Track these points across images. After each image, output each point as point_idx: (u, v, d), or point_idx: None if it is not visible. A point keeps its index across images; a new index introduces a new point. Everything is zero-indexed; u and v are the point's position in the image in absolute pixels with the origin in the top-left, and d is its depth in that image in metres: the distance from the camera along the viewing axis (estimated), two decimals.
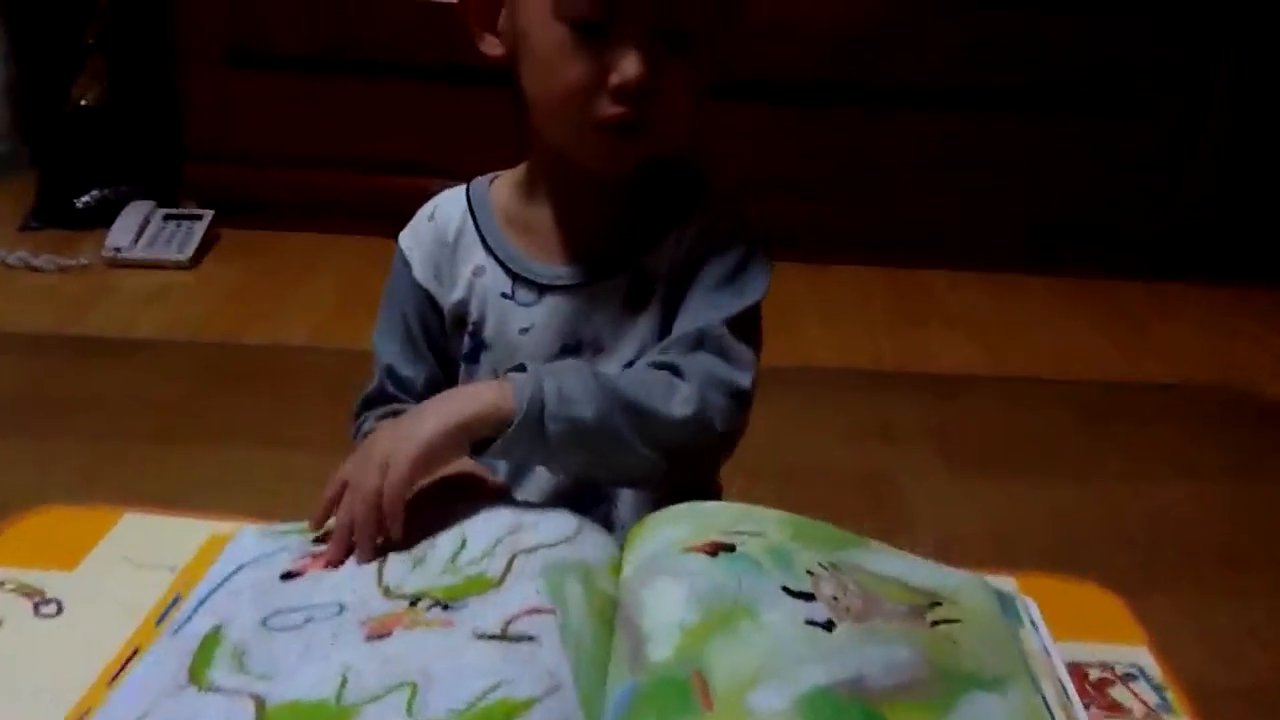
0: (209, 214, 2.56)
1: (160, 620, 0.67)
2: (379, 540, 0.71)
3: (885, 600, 0.66)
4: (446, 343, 0.89)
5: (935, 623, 0.66)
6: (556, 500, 0.84)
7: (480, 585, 0.67)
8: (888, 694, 0.58)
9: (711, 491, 0.92)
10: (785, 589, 0.64)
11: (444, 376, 0.89)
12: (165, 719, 0.58)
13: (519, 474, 0.85)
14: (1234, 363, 2.28)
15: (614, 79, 0.74)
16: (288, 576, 0.69)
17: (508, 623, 0.63)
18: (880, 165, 2.59)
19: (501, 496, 0.80)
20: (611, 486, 0.86)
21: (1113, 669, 0.71)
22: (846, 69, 2.51)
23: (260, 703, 0.58)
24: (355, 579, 0.69)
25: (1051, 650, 0.71)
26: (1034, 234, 2.65)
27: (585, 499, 0.85)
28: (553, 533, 0.71)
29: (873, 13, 2.49)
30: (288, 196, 2.63)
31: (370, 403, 0.89)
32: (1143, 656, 0.73)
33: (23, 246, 2.44)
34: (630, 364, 0.83)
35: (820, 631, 0.61)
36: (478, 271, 0.86)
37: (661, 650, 0.60)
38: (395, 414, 0.85)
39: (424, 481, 0.73)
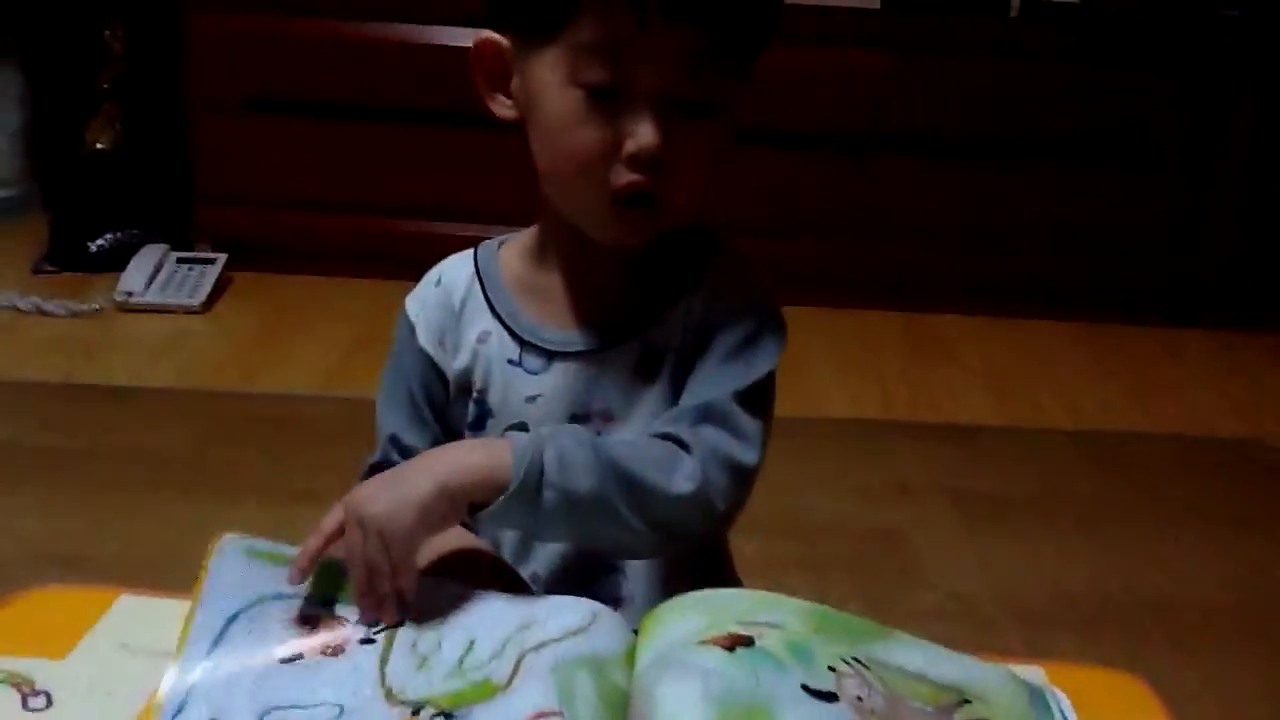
0: (222, 258, 2.56)
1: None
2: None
3: (911, 700, 0.64)
4: (451, 411, 0.86)
5: None
6: (566, 571, 0.82)
7: (486, 691, 0.64)
8: None
9: (721, 555, 0.89)
10: (806, 688, 0.62)
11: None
12: None
13: (529, 542, 0.83)
14: (1250, 413, 2.24)
15: (629, 146, 0.72)
16: (287, 658, 0.67)
17: None
18: (892, 210, 2.58)
19: (503, 573, 0.77)
20: (610, 557, 0.83)
21: None
22: (859, 116, 2.51)
23: None
24: (357, 674, 0.66)
25: None
26: (1047, 279, 2.63)
27: (595, 570, 0.82)
28: (563, 626, 0.69)
29: (886, 61, 2.48)
30: (300, 240, 2.63)
31: (376, 471, 0.86)
32: None
33: (35, 290, 2.44)
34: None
35: None
36: (482, 338, 0.84)
37: None
38: None
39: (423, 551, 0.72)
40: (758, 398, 0.78)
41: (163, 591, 0.77)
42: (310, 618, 0.69)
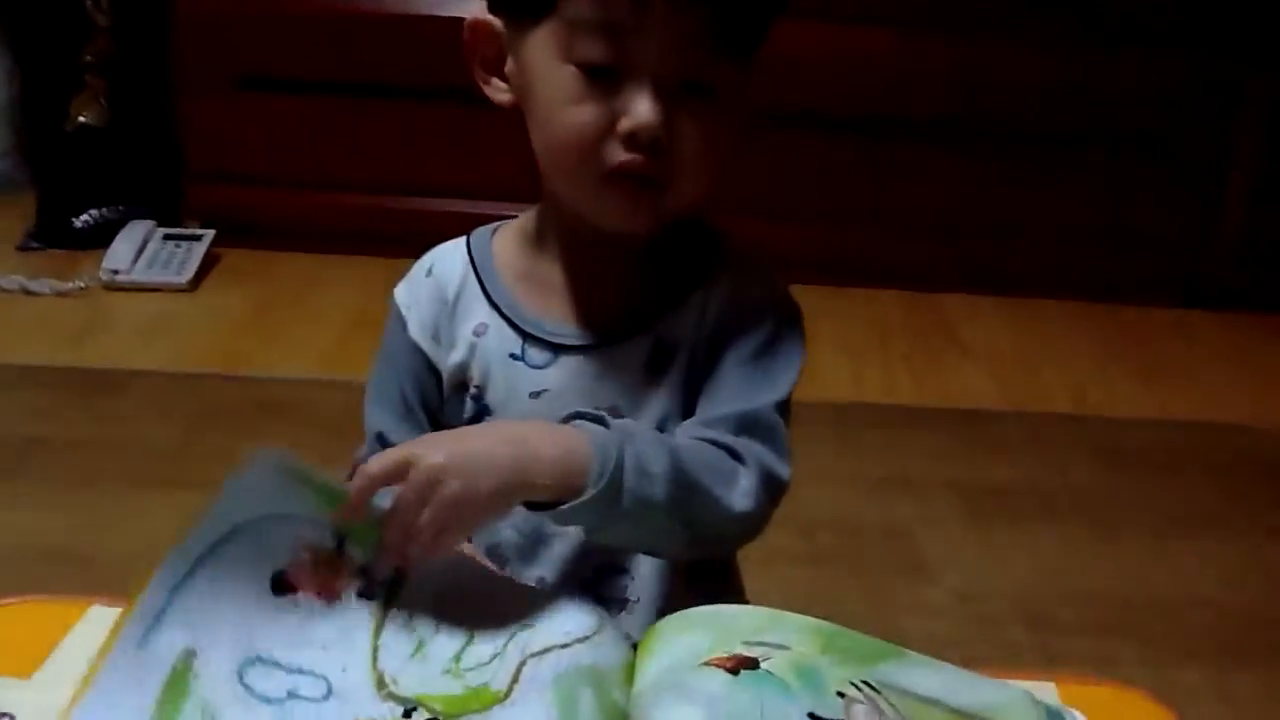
0: (210, 234, 2.51)
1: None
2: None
3: None
4: (443, 408, 0.82)
5: None
6: (572, 574, 0.79)
7: (484, 699, 0.61)
8: None
9: (728, 558, 0.87)
10: (813, 716, 0.58)
11: None
12: None
13: (535, 543, 0.79)
14: (1261, 398, 2.21)
15: (625, 124, 0.69)
16: (280, 586, 0.62)
17: None
18: (895, 192, 2.54)
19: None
20: (620, 556, 0.80)
21: None
22: (863, 96, 2.46)
23: None
24: (347, 643, 0.62)
25: None
26: (1053, 261, 2.60)
27: (601, 572, 0.79)
28: (568, 632, 0.65)
29: (891, 42, 2.44)
30: (289, 217, 2.59)
31: None
32: None
33: (20, 269, 2.40)
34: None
35: None
36: (479, 330, 0.80)
37: None
38: None
39: None
40: (789, 407, 0.77)
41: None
42: (316, 549, 0.64)
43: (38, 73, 2.66)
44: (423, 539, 0.64)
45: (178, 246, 2.47)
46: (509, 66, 0.75)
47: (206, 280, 2.44)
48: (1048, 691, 0.73)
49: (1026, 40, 2.46)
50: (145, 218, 2.54)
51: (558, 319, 0.79)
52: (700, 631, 0.65)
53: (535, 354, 0.78)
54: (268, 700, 0.59)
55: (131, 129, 2.64)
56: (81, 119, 2.60)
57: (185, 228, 2.57)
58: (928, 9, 2.46)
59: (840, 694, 0.60)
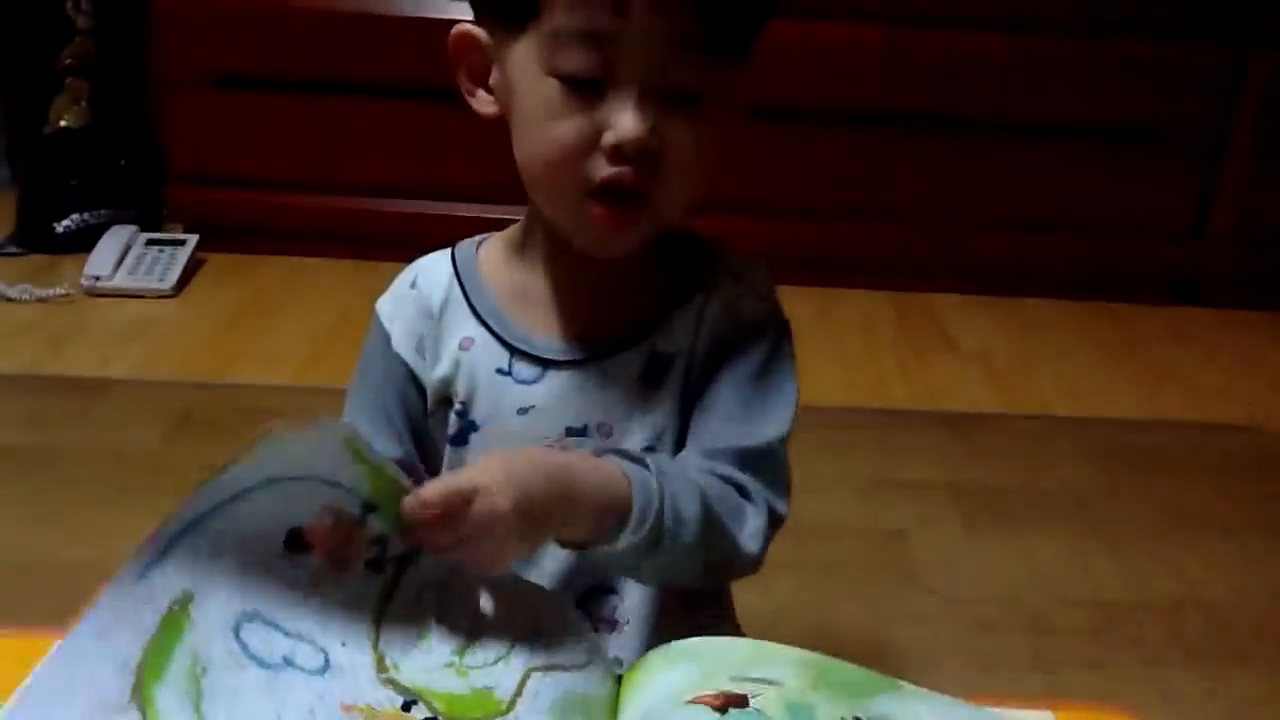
0: (193, 239, 2.48)
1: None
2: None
3: None
4: (426, 424, 0.80)
5: None
6: (564, 589, 0.78)
7: (486, 708, 0.59)
8: None
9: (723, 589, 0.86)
10: None
11: (421, 460, 0.81)
12: None
13: (525, 561, 0.77)
14: (1257, 396, 2.19)
15: (609, 137, 0.67)
16: (294, 543, 0.60)
17: None
18: (885, 188, 2.52)
19: None
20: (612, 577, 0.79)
21: None
22: (853, 91, 2.44)
23: None
24: (352, 616, 0.60)
25: None
26: (1046, 258, 2.57)
27: (591, 591, 0.78)
28: (570, 655, 0.64)
29: (880, 36, 2.41)
30: (274, 220, 2.56)
31: None
32: None
33: (0, 275, 2.36)
34: (648, 449, 0.75)
35: None
36: (465, 344, 0.78)
37: None
38: None
39: None
40: (787, 440, 0.76)
41: None
42: (339, 513, 0.62)
43: (17, 75, 2.62)
44: (463, 559, 0.62)
45: (161, 251, 2.44)
46: (494, 78, 0.73)
47: (190, 285, 2.41)
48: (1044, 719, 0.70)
49: (1017, 34, 2.44)
50: (128, 221, 2.51)
51: (546, 333, 0.77)
52: (686, 665, 0.62)
53: (523, 369, 0.77)
54: (262, 663, 0.56)
55: (113, 132, 2.61)
56: (62, 122, 2.57)
57: (168, 231, 2.54)
58: (917, 5, 2.44)
59: None
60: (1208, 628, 1.48)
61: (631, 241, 0.72)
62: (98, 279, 2.34)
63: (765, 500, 0.73)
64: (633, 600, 0.78)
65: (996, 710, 0.66)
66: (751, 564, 0.73)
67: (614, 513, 0.66)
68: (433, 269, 0.80)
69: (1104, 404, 2.13)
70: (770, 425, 0.75)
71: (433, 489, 0.61)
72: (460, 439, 0.79)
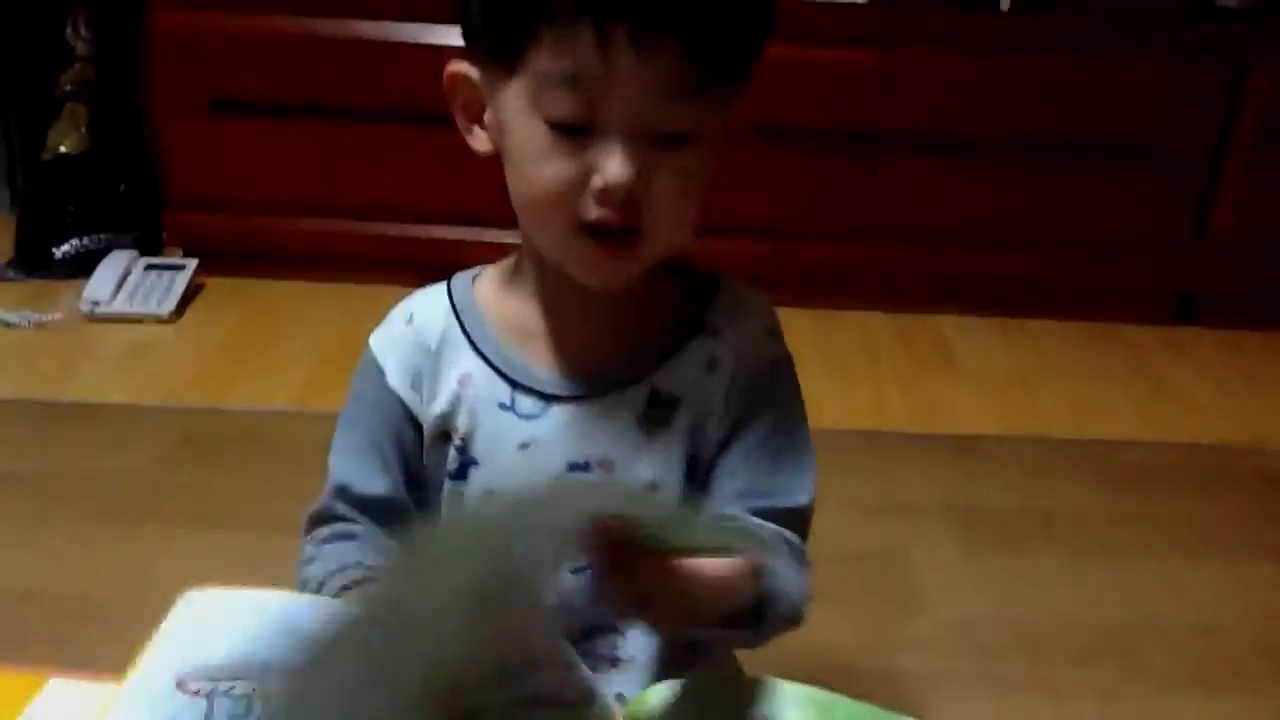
0: (193, 263, 2.48)
1: None
2: None
3: None
4: (420, 459, 0.79)
5: None
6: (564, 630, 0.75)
7: None
8: None
9: None
10: None
11: (410, 496, 0.80)
12: None
13: None
14: (1258, 416, 2.19)
15: (597, 181, 0.67)
16: None
17: None
18: (885, 209, 2.51)
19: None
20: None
21: None
22: (850, 114, 2.44)
23: None
24: None
25: None
26: (1046, 278, 2.57)
27: (595, 630, 0.78)
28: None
29: (880, 57, 2.42)
30: (272, 244, 2.56)
31: (317, 520, 0.80)
32: None
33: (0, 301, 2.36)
34: (650, 488, 0.75)
35: None
36: (464, 380, 0.77)
37: None
38: (344, 536, 0.77)
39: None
40: None
41: (97, 673, 0.70)
42: None
43: (17, 101, 2.63)
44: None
45: (160, 276, 2.43)
46: (488, 116, 0.73)
47: (189, 310, 2.41)
48: None
49: (1015, 55, 2.45)
50: (127, 246, 2.51)
51: (546, 366, 0.77)
52: (685, 708, 0.62)
53: (526, 403, 0.76)
54: None
55: (112, 157, 2.61)
56: (61, 148, 2.57)
57: (167, 255, 2.55)
58: (914, 26, 2.45)
59: None
60: (1212, 651, 1.47)
61: (626, 273, 0.72)
62: (96, 304, 2.34)
63: (808, 562, 0.76)
64: (635, 639, 0.78)
65: None
66: (796, 624, 0.75)
67: (737, 603, 0.67)
68: (429, 303, 0.80)
69: (1104, 424, 2.12)
70: (807, 481, 0.77)
71: (619, 582, 0.61)
72: (460, 474, 0.78)
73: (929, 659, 1.41)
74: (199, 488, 1.73)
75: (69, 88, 2.55)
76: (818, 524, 1.60)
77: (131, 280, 2.41)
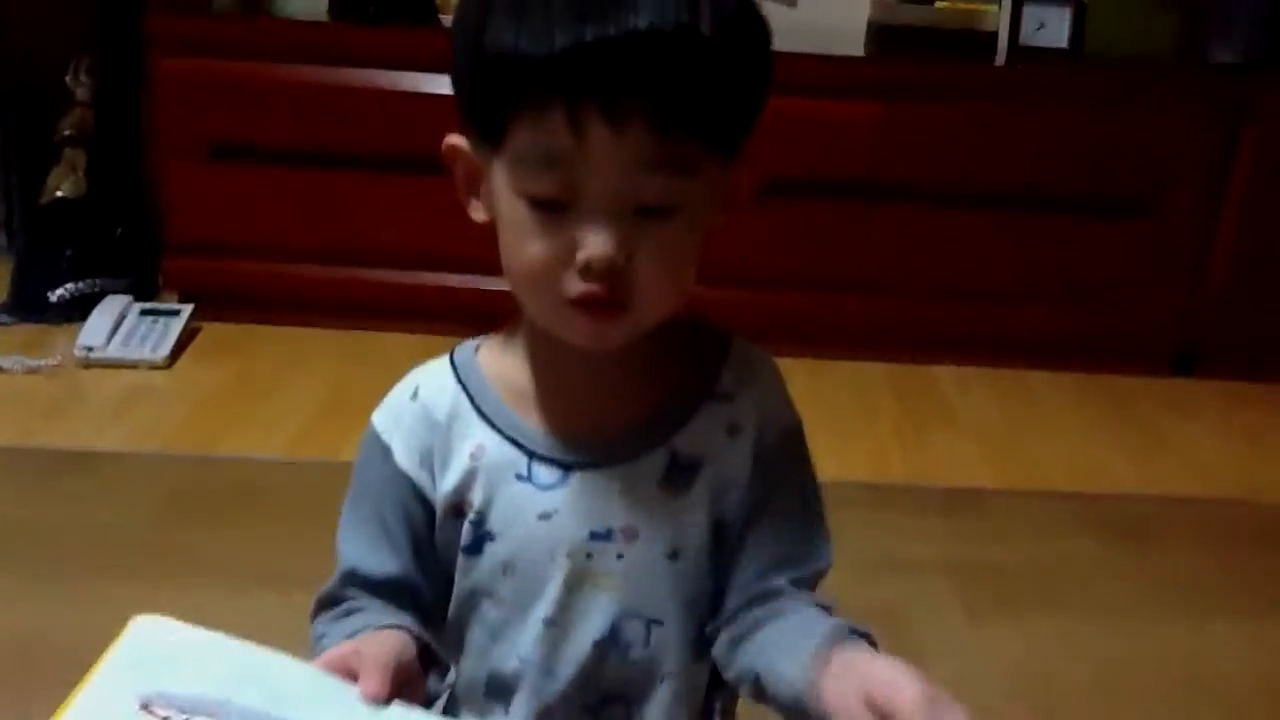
0: (188, 309, 2.47)
1: None
2: None
3: None
4: (430, 538, 0.78)
5: None
6: (579, 699, 0.77)
7: None
8: None
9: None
10: None
11: (419, 574, 0.78)
12: None
13: (545, 672, 0.77)
14: (1257, 468, 2.17)
15: (580, 256, 0.67)
16: None
17: None
18: (881, 260, 2.52)
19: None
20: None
21: None
22: (848, 165, 2.46)
23: None
24: None
25: None
26: (1042, 330, 2.57)
27: (609, 699, 0.77)
28: None
29: (874, 110, 2.43)
30: (269, 290, 2.56)
31: (326, 603, 0.78)
32: None
33: None
34: (673, 555, 0.75)
35: None
36: (477, 453, 0.76)
37: None
38: (355, 611, 0.76)
39: None
40: None
41: None
42: None
43: (16, 146, 2.64)
44: None
45: (155, 322, 2.43)
46: (483, 187, 0.73)
47: (184, 356, 2.40)
48: None
49: (1011, 106, 2.46)
50: (123, 290, 2.50)
51: (561, 434, 0.76)
52: None
53: (543, 473, 0.75)
54: None
55: (109, 201, 2.62)
56: (59, 192, 2.57)
57: (163, 301, 2.54)
58: (905, 78, 2.46)
59: None
60: (1217, 710, 1.45)
61: (619, 337, 0.71)
62: (91, 349, 2.33)
63: None
64: (648, 709, 0.77)
65: None
66: None
67: None
68: (434, 378, 0.79)
69: (1103, 477, 2.11)
70: (830, 543, 0.79)
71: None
72: (475, 548, 0.77)
73: None
74: (193, 542, 1.71)
75: (68, 132, 2.56)
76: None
77: (126, 325, 2.40)
